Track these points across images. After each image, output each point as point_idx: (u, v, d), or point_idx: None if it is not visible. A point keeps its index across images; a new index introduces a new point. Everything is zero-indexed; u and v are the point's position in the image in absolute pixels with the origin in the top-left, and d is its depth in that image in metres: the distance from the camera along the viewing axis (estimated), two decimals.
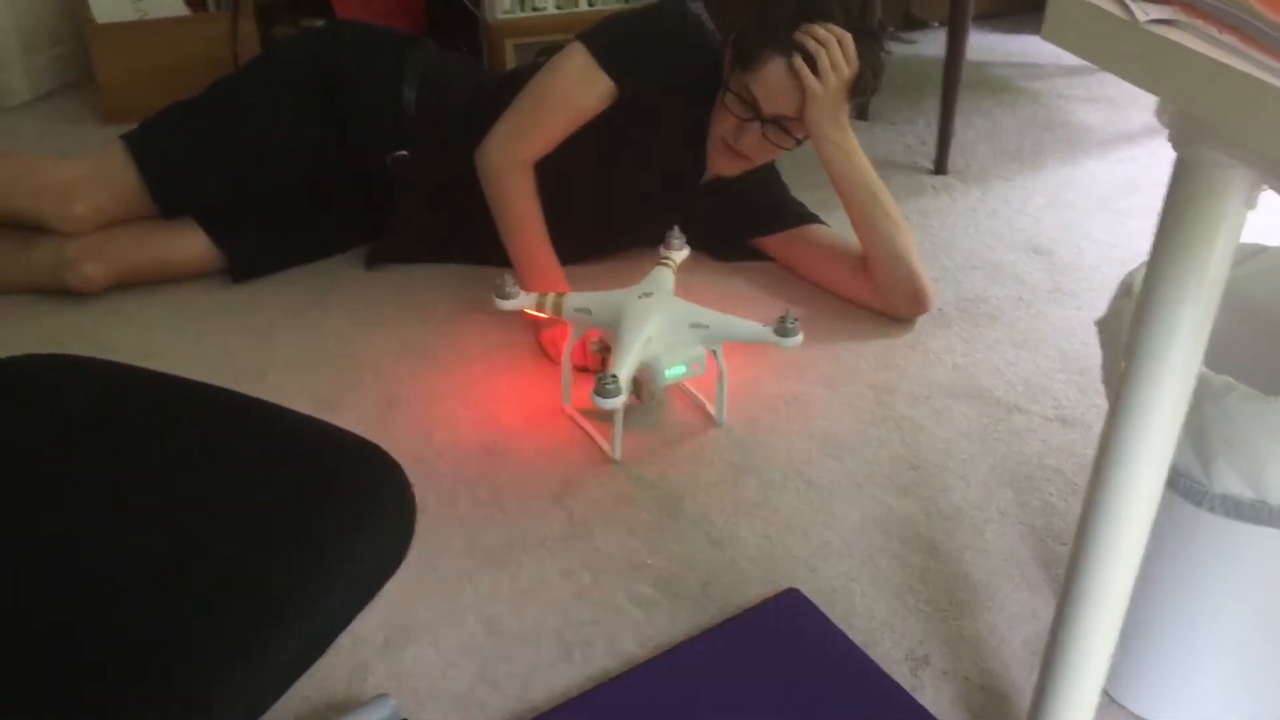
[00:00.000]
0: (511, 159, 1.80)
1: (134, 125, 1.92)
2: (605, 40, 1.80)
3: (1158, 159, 2.45)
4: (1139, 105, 2.68)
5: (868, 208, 1.80)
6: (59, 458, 0.86)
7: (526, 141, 1.80)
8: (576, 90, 1.79)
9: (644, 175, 1.88)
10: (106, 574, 0.76)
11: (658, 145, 1.86)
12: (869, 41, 1.73)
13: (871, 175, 1.80)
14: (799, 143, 1.80)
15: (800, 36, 1.69)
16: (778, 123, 1.76)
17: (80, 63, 2.57)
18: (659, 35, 1.84)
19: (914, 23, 3.03)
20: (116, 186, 1.85)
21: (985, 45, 2.97)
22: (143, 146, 1.87)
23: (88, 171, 1.86)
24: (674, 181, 1.92)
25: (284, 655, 0.73)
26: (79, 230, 1.84)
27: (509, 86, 1.87)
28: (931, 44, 2.84)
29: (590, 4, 2.44)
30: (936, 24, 2.98)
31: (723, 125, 1.80)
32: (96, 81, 2.44)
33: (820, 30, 1.69)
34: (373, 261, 1.99)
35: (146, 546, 0.78)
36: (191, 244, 1.89)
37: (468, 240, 1.94)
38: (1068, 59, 2.87)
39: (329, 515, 0.81)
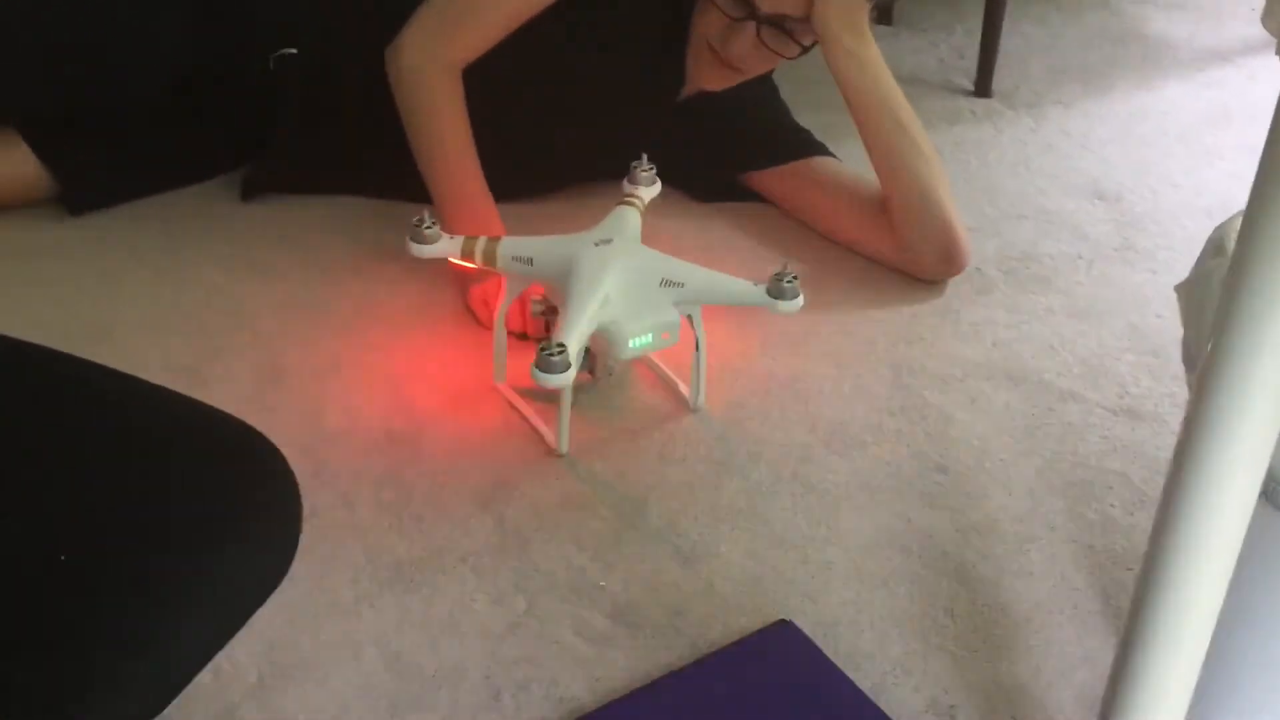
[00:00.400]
0: (433, 61, 1.79)
1: None
2: None
3: (1258, 83, 2.47)
4: (1234, 15, 2.70)
5: (890, 135, 1.81)
6: None
7: (453, 39, 1.79)
8: None
9: (603, 88, 1.88)
10: None
11: (621, 50, 1.86)
12: None
13: (895, 94, 1.81)
14: (805, 50, 1.79)
15: None
16: (778, 23, 1.75)
17: None
18: None
19: None
20: None
21: None
22: None
23: None
24: (642, 98, 1.91)
25: (129, 698, 0.73)
26: None
27: None
28: None
29: None
30: None
31: (708, 25, 1.79)
32: None
33: None
34: (250, 191, 1.97)
35: None
36: (14, 165, 1.88)
37: (374, 166, 1.93)
38: None
39: (189, 518, 0.81)
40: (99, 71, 1.87)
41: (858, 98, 1.81)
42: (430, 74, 1.79)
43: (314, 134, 1.95)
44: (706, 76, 1.88)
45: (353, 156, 1.96)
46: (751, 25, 1.76)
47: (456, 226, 1.70)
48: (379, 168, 1.92)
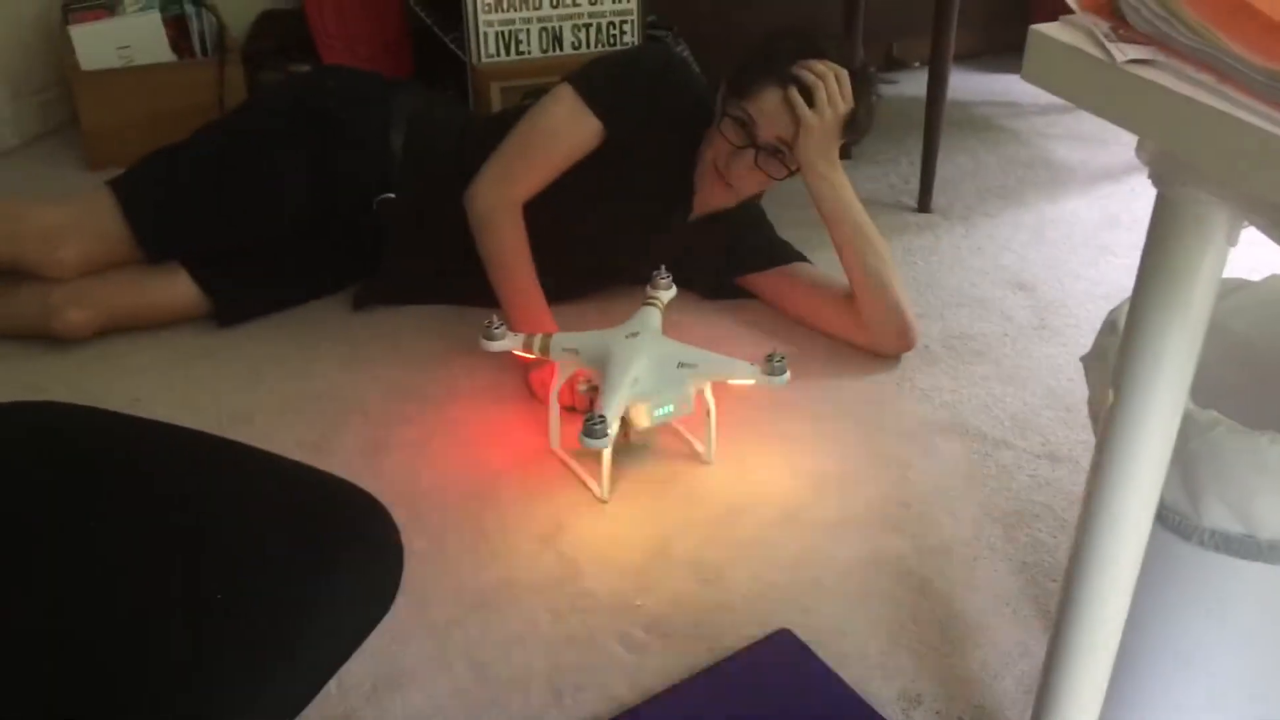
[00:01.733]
0: (501, 200, 1.81)
1: (119, 171, 1.92)
2: (592, 81, 1.81)
3: (1138, 196, 2.47)
4: (1119, 143, 2.71)
5: (855, 242, 1.81)
6: (41, 506, 0.85)
7: (515, 183, 1.81)
8: (565, 131, 1.81)
9: (632, 214, 1.89)
10: (84, 624, 0.75)
11: (645, 184, 1.87)
12: (863, 82, 1.76)
13: (860, 210, 1.82)
14: (790, 174, 1.81)
15: (798, 70, 1.72)
16: (773, 150, 1.77)
17: (66, 108, 2.58)
18: (645, 75, 1.85)
19: (896, 63, 3.06)
20: (102, 232, 1.85)
21: (966, 85, 3.00)
22: (128, 192, 1.87)
23: (73, 217, 1.86)
24: (661, 220, 1.92)
25: (271, 704, 0.72)
26: (64, 276, 1.83)
27: (496, 129, 1.88)
28: (913, 84, 2.87)
29: (574, 47, 2.46)
30: (918, 64, 3.01)
31: (715, 152, 1.80)
32: (81, 127, 2.44)
33: (819, 65, 1.72)
34: (360, 303, 1.99)
35: (128, 596, 0.77)
36: (178, 289, 1.89)
37: (455, 281, 1.94)
38: (1047, 97, 2.88)
39: (315, 562, 0.81)
40: (242, 219, 1.89)
41: (830, 212, 1.81)
42: (499, 211, 1.80)
43: (407, 259, 1.96)
44: (711, 197, 1.88)
45: (438, 275, 1.97)
46: (751, 151, 1.78)
47: (519, 326, 1.71)
48: (458, 283, 1.93)
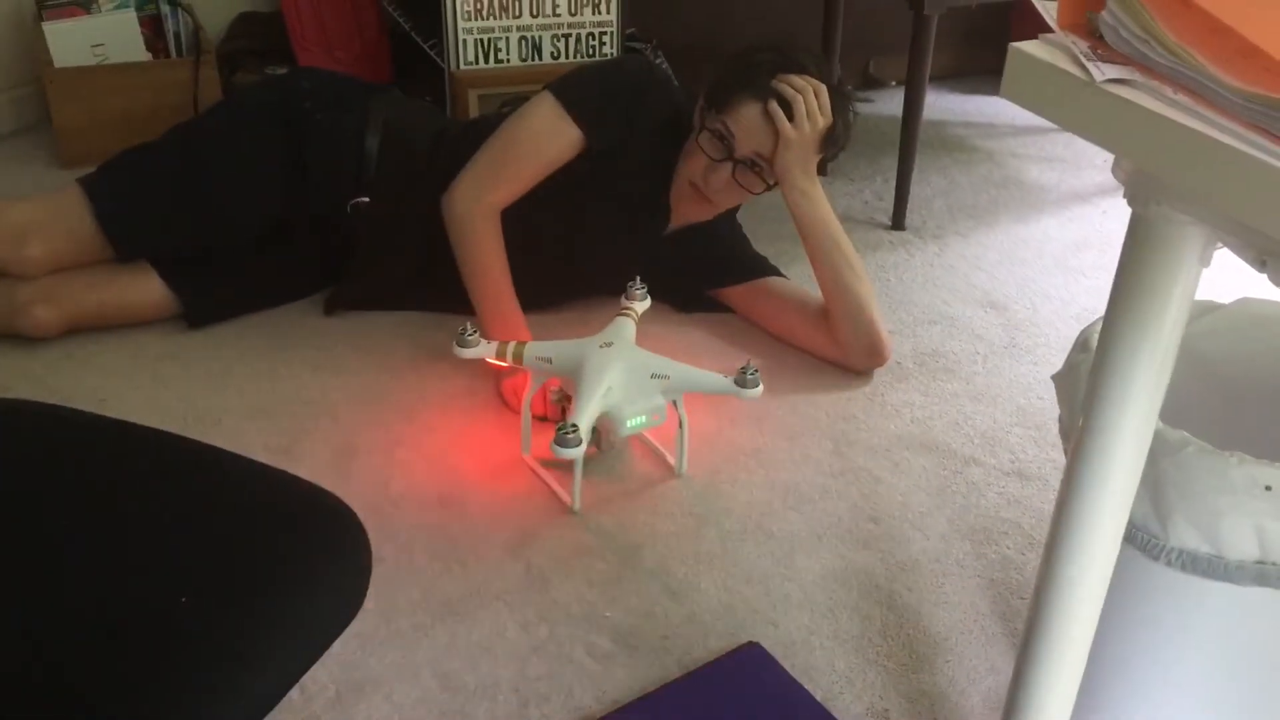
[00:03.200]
0: (478, 206, 1.80)
1: (91, 169, 1.90)
2: (574, 90, 1.81)
3: (1109, 218, 2.49)
4: (1091, 165, 2.74)
5: (831, 257, 1.82)
6: (3, 507, 0.84)
7: (494, 189, 1.80)
8: (545, 139, 1.80)
9: (608, 224, 1.89)
10: (46, 625, 0.74)
11: (623, 195, 1.87)
12: (840, 98, 1.77)
13: (836, 225, 1.82)
14: (768, 188, 1.81)
15: (777, 84, 1.72)
16: (750, 164, 1.77)
17: (39, 105, 2.55)
18: (626, 86, 1.85)
19: (872, 82, 3.08)
20: (72, 230, 1.83)
21: (942, 105, 3.02)
22: (99, 191, 1.85)
23: (43, 215, 1.84)
24: (637, 231, 1.92)
25: (232, 711, 0.71)
26: (33, 274, 1.81)
27: (472, 135, 1.87)
28: (889, 103, 2.89)
29: (553, 57, 2.46)
30: (894, 83, 3.03)
31: (692, 165, 1.81)
32: (54, 125, 2.41)
33: (797, 79, 1.72)
34: (332, 308, 1.97)
35: (89, 598, 0.76)
36: (147, 289, 1.87)
37: (428, 287, 1.93)
38: (1022, 119, 2.93)
39: (282, 566, 0.80)
40: (215, 220, 1.88)
41: (807, 226, 1.81)
42: (476, 217, 1.80)
43: (380, 263, 1.95)
44: (688, 209, 1.88)
45: (411, 280, 1.96)
46: (728, 165, 1.78)
47: (493, 334, 1.70)
48: (431, 288, 1.92)
